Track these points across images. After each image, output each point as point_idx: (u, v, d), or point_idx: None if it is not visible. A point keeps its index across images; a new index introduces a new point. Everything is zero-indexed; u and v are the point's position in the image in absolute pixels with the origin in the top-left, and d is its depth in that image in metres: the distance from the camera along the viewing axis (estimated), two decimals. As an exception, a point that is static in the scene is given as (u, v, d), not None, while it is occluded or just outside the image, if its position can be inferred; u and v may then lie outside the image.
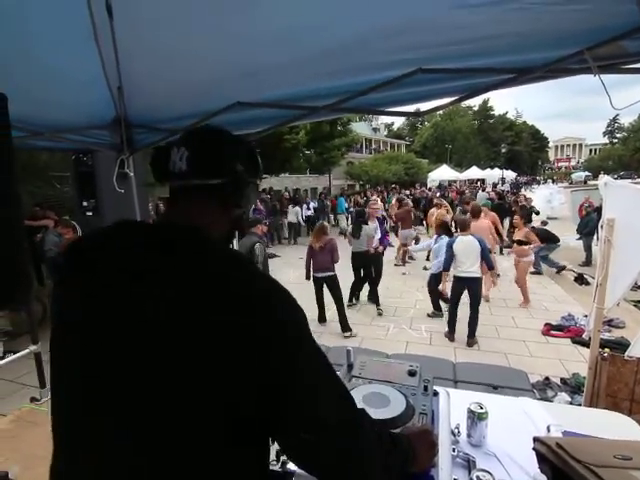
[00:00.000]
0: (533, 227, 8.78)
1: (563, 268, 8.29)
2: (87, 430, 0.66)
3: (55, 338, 0.74)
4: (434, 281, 5.81)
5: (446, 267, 5.11)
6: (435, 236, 6.29)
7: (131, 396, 0.62)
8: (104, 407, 0.64)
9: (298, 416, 0.65)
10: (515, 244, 6.65)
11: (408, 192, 20.55)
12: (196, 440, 0.60)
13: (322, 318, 5.93)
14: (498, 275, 7.86)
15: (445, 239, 5.62)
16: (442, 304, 5.95)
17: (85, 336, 0.68)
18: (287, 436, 0.67)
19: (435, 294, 5.90)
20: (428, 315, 6.01)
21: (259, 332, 0.61)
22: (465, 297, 5.07)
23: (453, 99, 1.75)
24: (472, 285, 4.93)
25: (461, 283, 4.99)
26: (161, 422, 0.61)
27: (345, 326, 5.52)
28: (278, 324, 0.64)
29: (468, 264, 4.85)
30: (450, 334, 5.16)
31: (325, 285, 5.63)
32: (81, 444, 0.67)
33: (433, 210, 9.87)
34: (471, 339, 4.97)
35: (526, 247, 6.41)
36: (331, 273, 5.53)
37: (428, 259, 8.90)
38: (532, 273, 8.13)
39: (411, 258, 9.68)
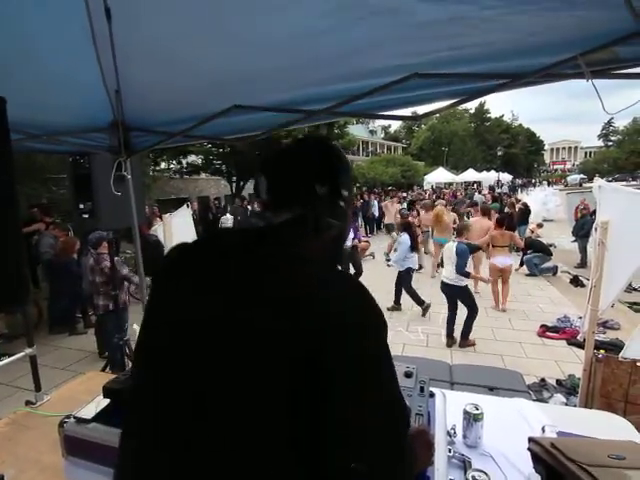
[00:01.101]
0: (529, 237, 8.93)
1: (555, 269, 8.38)
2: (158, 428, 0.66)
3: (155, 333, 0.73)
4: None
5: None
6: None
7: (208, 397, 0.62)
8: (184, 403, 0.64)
9: (353, 444, 0.60)
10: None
11: (405, 194, 20.62)
12: (259, 440, 0.60)
13: None
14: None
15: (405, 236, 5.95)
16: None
17: (183, 335, 0.67)
18: (337, 463, 0.61)
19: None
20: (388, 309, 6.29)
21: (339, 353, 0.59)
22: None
23: (449, 103, 1.77)
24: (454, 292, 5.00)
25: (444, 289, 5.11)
26: (232, 424, 0.61)
27: None
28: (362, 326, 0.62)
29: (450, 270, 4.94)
30: (449, 338, 5.12)
31: None
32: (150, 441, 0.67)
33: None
34: (463, 341, 5.02)
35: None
36: None
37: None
38: (527, 275, 8.20)
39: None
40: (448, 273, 4.98)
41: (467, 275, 4.98)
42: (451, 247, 4.98)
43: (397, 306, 6.42)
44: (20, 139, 2.03)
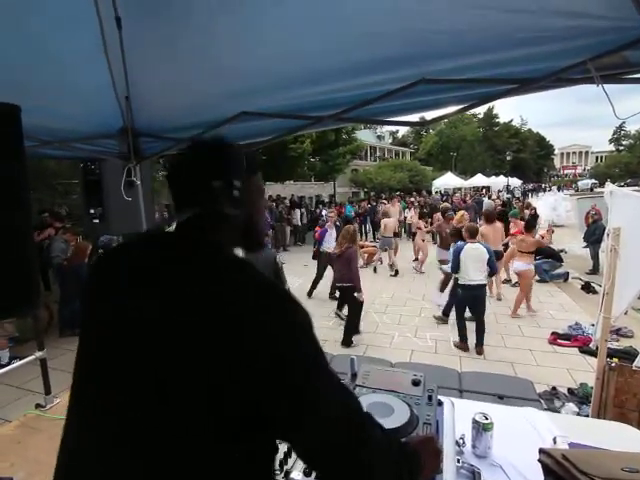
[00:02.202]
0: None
1: (567, 275, 8.27)
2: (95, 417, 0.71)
3: (83, 332, 0.80)
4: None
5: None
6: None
7: (131, 387, 0.66)
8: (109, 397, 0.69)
9: (305, 417, 0.65)
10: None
11: (413, 199, 20.56)
12: (188, 437, 0.62)
13: (346, 341, 5.31)
14: (509, 281, 7.97)
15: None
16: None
17: (102, 332, 0.73)
18: (294, 436, 0.67)
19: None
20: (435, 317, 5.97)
21: (266, 331, 0.64)
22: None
23: (457, 108, 1.76)
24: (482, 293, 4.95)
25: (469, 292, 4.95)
26: (155, 417, 0.64)
27: (346, 338, 5.25)
28: (284, 325, 0.66)
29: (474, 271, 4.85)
30: (463, 343, 5.05)
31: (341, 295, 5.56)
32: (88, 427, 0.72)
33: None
34: (479, 347, 4.94)
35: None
36: (345, 284, 5.26)
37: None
38: (538, 281, 8.09)
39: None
40: (476, 275, 4.84)
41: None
42: (477, 249, 4.85)
43: (444, 318, 5.89)
44: (33, 145, 2.07)
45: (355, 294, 5.18)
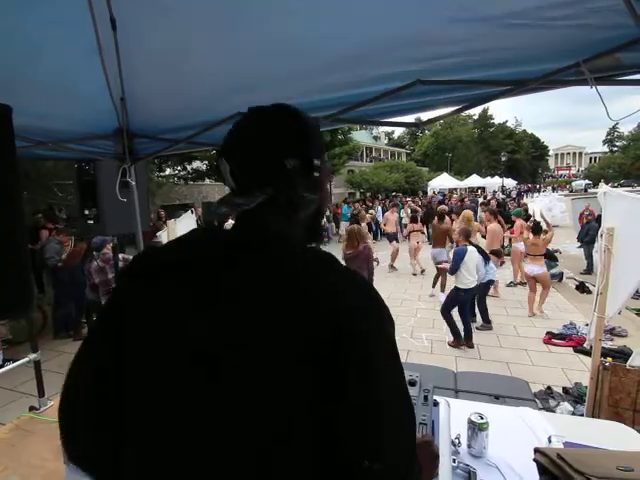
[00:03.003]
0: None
1: (561, 275, 8.32)
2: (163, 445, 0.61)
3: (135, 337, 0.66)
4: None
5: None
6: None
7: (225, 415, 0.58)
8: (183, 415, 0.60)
9: (366, 443, 0.58)
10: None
11: (410, 199, 20.60)
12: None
13: None
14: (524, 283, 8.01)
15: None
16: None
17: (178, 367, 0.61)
18: (351, 461, 0.58)
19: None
20: (477, 328, 5.78)
21: (344, 347, 0.56)
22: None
23: (452, 109, 1.77)
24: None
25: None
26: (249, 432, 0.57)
27: None
28: (363, 338, 0.58)
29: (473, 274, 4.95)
30: (458, 341, 5.13)
31: None
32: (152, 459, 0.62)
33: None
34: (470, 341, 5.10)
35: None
36: None
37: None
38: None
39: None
40: (472, 277, 4.94)
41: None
42: (472, 252, 4.95)
43: (487, 325, 5.77)
44: (27, 146, 2.05)
45: None
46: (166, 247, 0.73)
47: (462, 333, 5.12)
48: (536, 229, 6.52)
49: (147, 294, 0.66)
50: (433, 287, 7.47)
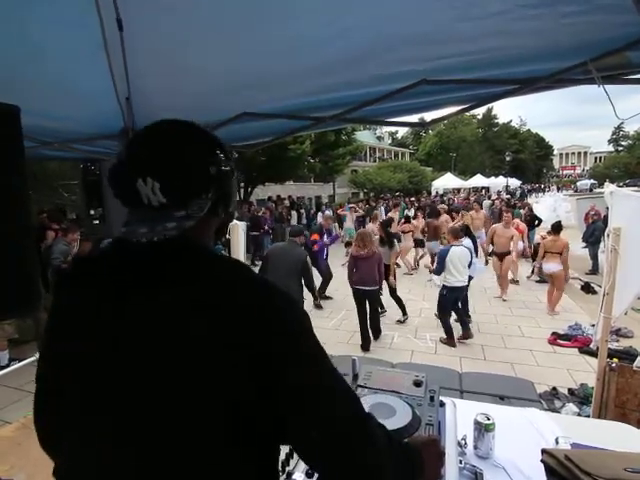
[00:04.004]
0: (538, 243, 8.85)
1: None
2: (89, 431, 0.68)
3: (54, 345, 0.75)
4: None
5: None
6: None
7: (131, 398, 0.64)
8: (104, 409, 0.66)
9: (307, 414, 0.65)
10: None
11: (412, 198, 20.58)
12: (196, 440, 0.61)
13: (366, 345, 5.13)
14: (517, 281, 8.08)
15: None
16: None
17: (88, 344, 0.68)
18: (297, 435, 0.67)
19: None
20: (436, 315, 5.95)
21: (261, 329, 0.63)
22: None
23: (457, 109, 1.76)
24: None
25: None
26: (162, 423, 0.62)
27: (376, 331, 5.33)
28: (280, 322, 0.65)
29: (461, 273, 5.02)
30: (450, 340, 5.20)
31: (367, 300, 5.11)
32: (83, 443, 0.69)
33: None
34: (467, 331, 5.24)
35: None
36: (375, 287, 4.99)
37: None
38: (537, 281, 8.09)
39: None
40: (462, 276, 5.03)
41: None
42: (460, 251, 5.01)
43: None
44: (33, 146, 2.07)
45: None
46: (87, 258, 0.80)
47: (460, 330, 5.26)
48: (557, 228, 6.62)
49: (67, 302, 0.74)
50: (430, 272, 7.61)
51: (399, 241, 10.58)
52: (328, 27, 1.30)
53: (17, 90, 1.38)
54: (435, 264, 5.34)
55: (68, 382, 0.71)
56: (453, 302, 5.25)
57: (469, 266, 5.08)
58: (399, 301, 6.11)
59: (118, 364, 0.65)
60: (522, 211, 12.05)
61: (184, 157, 0.69)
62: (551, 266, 6.40)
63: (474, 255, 5.42)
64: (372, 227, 8.01)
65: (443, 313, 5.25)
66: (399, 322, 6.02)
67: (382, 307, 6.17)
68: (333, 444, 0.65)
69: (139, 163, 0.68)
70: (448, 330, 5.20)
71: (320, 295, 6.90)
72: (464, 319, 5.39)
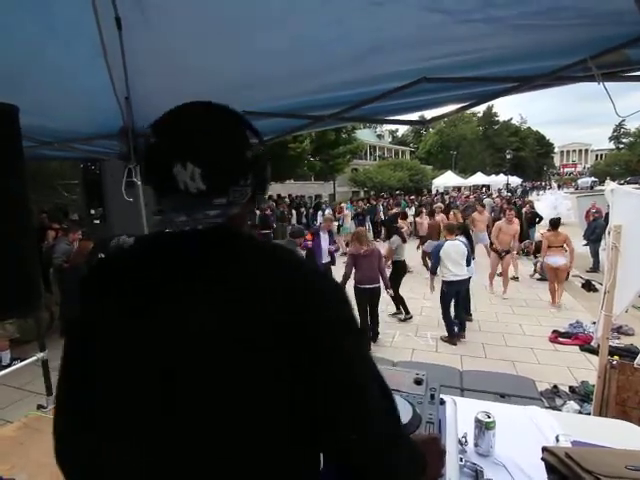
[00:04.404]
0: (539, 241, 8.86)
1: (567, 273, 8.27)
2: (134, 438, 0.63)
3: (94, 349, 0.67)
4: None
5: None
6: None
7: (187, 402, 0.60)
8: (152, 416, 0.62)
9: (350, 415, 0.62)
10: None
11: (413, 197, 20.56)
12: (263, 441, 0.60)
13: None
14: (517, 278, 8.13)
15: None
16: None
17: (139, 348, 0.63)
18: (337, 436, 0.63)
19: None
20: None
21: (310, 330, 0.60)
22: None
23: (457, 107, 1.76)
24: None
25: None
26: (227, 428, 0.59)
27: (375, 333, 5.22)
28: (328, 322, 0.62)
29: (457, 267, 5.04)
30: (451, 338, 5.20)
31: (371, 298, 5.01)
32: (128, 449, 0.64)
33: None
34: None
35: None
36: (378, 285, 4.95)
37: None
38: (539, 279, 8.09)
39: None
40: (460, 270, 5.06)
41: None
42: (454, 245, 5.07)
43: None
44: (32, 146, 2.07)
45: (388, 291, 5.22)
46: (124, 254, 0.75)
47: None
48: (555, 223, 6.87)
49: (104, 308, 0.67)
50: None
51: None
52: (328, 28, 1.29)
53: (16, 90, 1.38)
54: (431, 261, 5.35)
55: (112, 385, 0.65)
56: (455, 296, 5.26)
57: (468, 262, 5.08)
58: (401, 300, 6.11)
59: (168, 368, 0.60)
60: (524, 209, 12.02)
61: (225, 141, 0.66)
62: (557, 259, 6.57)
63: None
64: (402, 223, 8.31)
65: (444, 309, 5.25)
66: (400, 320, 6.04)
67: (407, 312, 6.16)
68: (372, 447, 0.62)
69: (177, 147, 0.64)
70: (449, 327, 5.21)
71: None
72: (462, 318, 5.41)
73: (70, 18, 1.26)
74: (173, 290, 0.63)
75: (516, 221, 7.43)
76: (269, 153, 0.75)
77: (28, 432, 1.97)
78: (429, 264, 9.05)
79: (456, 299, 5.28)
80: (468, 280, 5.29)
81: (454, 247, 5.06)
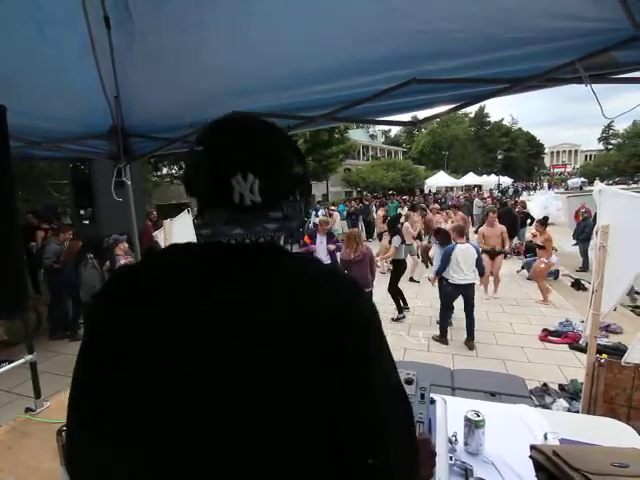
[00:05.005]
0: (529, 241, 8.95)
1: (557, 272, 8.37)
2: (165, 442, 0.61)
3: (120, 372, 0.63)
4: None
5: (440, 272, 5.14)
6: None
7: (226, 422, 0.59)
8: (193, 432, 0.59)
9: (369, 445, 0.61)
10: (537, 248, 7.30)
11: (405, 197, 20.65)
12: (295, 460, 0.58)
13: None
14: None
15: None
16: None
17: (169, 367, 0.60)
18: (353, 459, 0.62)
19: None
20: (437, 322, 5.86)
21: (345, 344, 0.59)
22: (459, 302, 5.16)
23: (448, 108, 1.77)
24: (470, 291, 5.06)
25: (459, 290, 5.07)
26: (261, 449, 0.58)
27: None
28: (361, 337, 0.61)
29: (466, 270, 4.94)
30: (443, 338, 5.21)
31: None
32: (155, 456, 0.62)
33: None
34: (471, 341, 5.04)
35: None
36: (369, 289, 4.89)
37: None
38: (528, 279, 8.17)
39: None
40: (469, 274, 5.00)
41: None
42: (468, 249, 5.01)
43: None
44: (21, 146, 2.04)
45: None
46: (151, 265, 0.71)
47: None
48: (543, 222, 7.23)
49: (130, 319, 0.63)
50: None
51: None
52: (319, 29, 1.30)
53: (3, 90, 1.36)
54: (437, 262, 5.18)
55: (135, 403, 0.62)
56: (453, 300, 5.22)
57: (479, 267, 5.04)
58: (400, 293, 6.26)
59: (208, 383, 0.59)
60: (516, 209, 12.13)
61: (282, 155, 0.67)
62: (554, 259, 7.03)
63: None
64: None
65: (443, 309, 5.19)
66: (392, 320, 6.06)
67: (405, 303, 6.41)
68: (387, 472, 0.61)
69: (238, 158, 0.63)
70: (444, 327, 5.19)
71: None
72: (472, 327, 5.15)
73: (60, 17, 1.24)
74: (222, 300, 0.61)
75: (498, 225, 7.36)
76: (309, 171, 0.75)
77: (16, 435, 1.95)
78: (431, 261, 9.16)
79: (465, 305, 5.12)
80: (474, 285, 5.16)
81: (465, 251, 4.99)
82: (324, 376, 0.58)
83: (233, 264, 0.63)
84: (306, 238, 6.30)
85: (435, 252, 5.78)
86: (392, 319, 6.12)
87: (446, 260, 5.01)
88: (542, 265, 6.88)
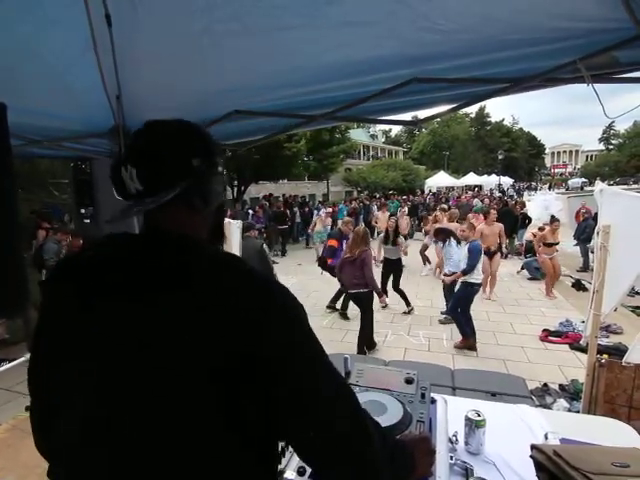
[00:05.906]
0: (530, 241, 8.96)
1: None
2: (87, 434, 0.66)
3: (45, 349, 0.74)
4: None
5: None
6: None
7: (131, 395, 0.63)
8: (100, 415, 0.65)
9: (305, 417, 0.65)
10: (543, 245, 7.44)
11: (405, 197, 20.64)
12: (196, 435, 0.61)
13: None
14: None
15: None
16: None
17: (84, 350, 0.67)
18: (294, 434, 0.67)
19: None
20: (440, 322, 5.88)
21: (255, 316, 0.63)
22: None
23: (449, 107, 1.77)
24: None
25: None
26: (160, 425, 0.62)
27: (361, 351, 4.77)
28: (278, 309, 0.66)
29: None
30: (473, 342, 4.95)
31: (355, 303, 4.99)
32: (83, 446, 0.67)
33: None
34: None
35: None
36: (361, 290, 4.70)
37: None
38: (529, 279, 8.17)
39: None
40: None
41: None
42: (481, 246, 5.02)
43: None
44: (21, 145, 2.04)
45: (379, 299, 4.91)
46: (80, 254, 0.82)
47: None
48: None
49: (52, 301, 0.74)
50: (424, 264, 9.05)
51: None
52: (320, 29, 1.30)
53: (3, 87, 1.36)
54: (468, 260, 4.83)
55: (65, 388, 0.69)
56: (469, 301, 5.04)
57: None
58: (402, 293, 6.49)
59: (112, 370, 0.64)
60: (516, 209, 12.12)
61: (159, 146, 0.73)
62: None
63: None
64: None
65: (465, 312, 4.94)
66: (404, 313, 6.33)
67: (408, 304, 6.48)
68: (331, 444, 0.65)
69: (125, 153, 0.75)
70: (467, 330, 4.92)
71: (329, 305, 6.61)
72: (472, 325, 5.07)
73: (60, 16, 1.24)
74: (122, 292, 0.66)
75: (496, 223, 7.37)
76: (218, 165, 0.80)
77: (16, 434, 1.95)
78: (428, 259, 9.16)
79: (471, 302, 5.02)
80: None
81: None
82: (231, 380, 0.61)
83: (123, 260, 0.71)
84: (333, 241, 6.13)
85: (445, 251, 5.52)
86: (404, 312, 6.31)
87: (479, 257, 4.79)
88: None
